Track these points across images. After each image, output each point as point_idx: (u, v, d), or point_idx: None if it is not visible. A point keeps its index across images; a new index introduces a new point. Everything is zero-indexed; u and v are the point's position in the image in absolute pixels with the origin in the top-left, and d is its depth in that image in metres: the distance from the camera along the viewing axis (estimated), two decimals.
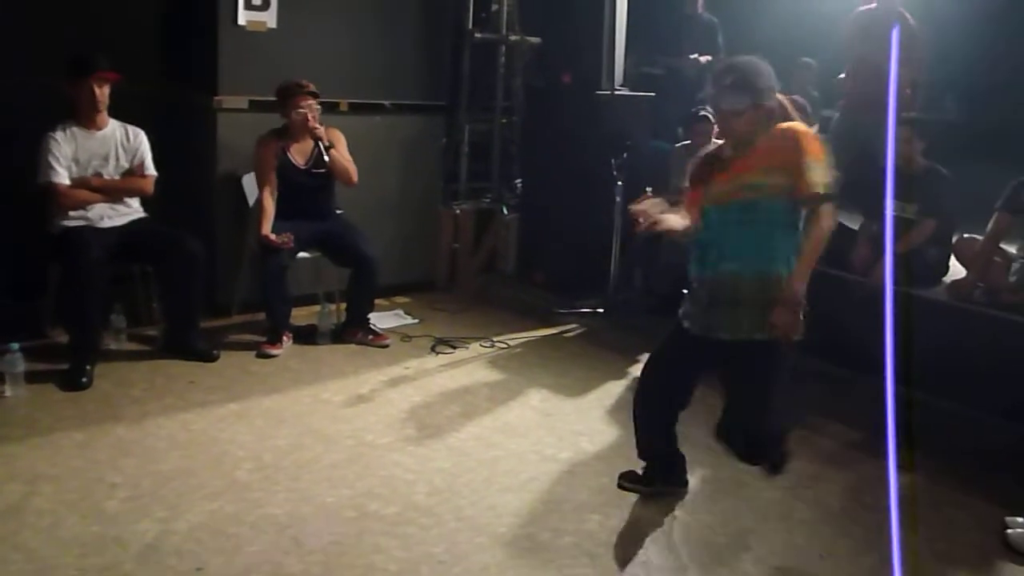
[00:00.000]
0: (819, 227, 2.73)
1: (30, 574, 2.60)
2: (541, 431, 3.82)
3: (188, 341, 4.33)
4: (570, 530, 3.05)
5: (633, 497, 3.30)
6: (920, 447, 3.52)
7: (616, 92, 5.49)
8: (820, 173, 2.72)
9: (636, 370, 4.63)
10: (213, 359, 4.30)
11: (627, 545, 3.00)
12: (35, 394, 3.80)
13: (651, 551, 2.98)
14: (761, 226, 2.82)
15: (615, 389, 4.37)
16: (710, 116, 5.33)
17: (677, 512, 3.22)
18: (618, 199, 5.19)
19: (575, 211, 5.52)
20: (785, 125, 2.80)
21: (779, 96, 2.86)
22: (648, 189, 5.59)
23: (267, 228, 4.47)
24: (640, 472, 3.29)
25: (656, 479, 3.27)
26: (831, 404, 4.17)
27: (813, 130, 2.88)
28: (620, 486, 3.28)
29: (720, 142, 3.00)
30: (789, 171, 2.74)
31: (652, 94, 5.98)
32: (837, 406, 4.14)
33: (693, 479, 3.36)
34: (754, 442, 3.02)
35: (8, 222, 4.21)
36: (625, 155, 5.17)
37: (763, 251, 2.82)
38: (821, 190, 2.71)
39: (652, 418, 3.18)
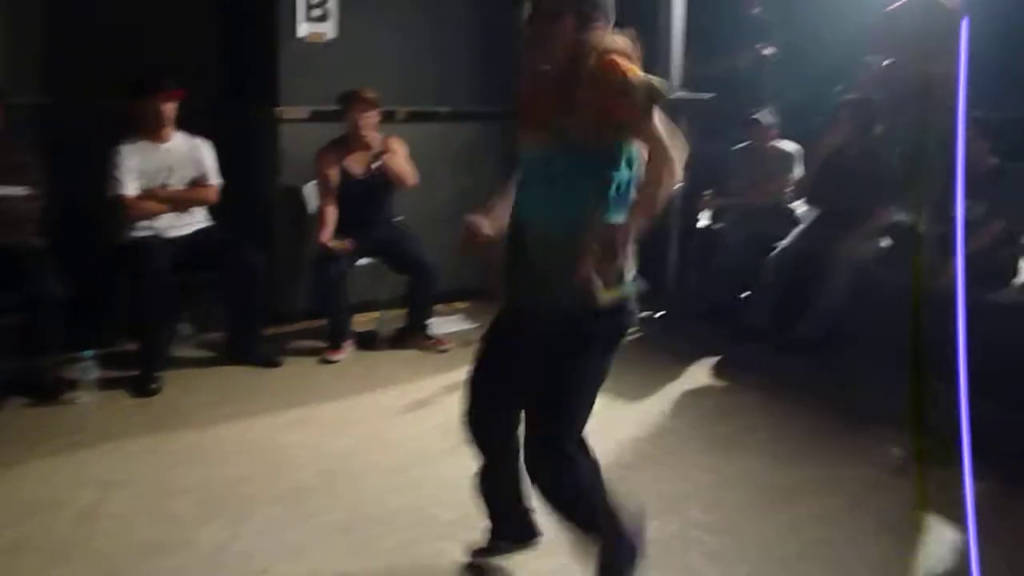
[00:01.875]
0: (654, 171, 2.26)
1: None
2: (596, 437, 3.79)
3: (251, 348, 4.42)
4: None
5: (690, 502, 3.26)
6: (988, 455, 3.43)
7: (673, 95, 5.46)
8: (637, 88, 2.20)
9: (693, 374, 4.62)
10: (276, 365, 4.38)
11: (684, 553, 2.98)
12: (107, 400, 3.92)
13: (711, 559, 2.95)
14: (564, 180, 2.30)
15: (672, 394, 4.34)
16: (761, 119, 5.29)
17: (740, 519, 3.18)
18: (675, 203, 5.16)
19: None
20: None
21: (617, 35, 2.34)
22: (706, 193, 5.58)
23: (326, 236, 4.55)
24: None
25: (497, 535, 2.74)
26: (889, 409, 4.08)
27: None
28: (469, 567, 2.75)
29: None
30: (597, 109, 2.22)
31: (709, 95, 5.92)
32: (896, 411, 4.06)
33: (760, 484, 3.29)
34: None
35: (80, 234, 4.34)
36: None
37: (565, 207, 2.31)
38: (641, 101, 2.20)
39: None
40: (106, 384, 3.99)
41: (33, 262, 3.92)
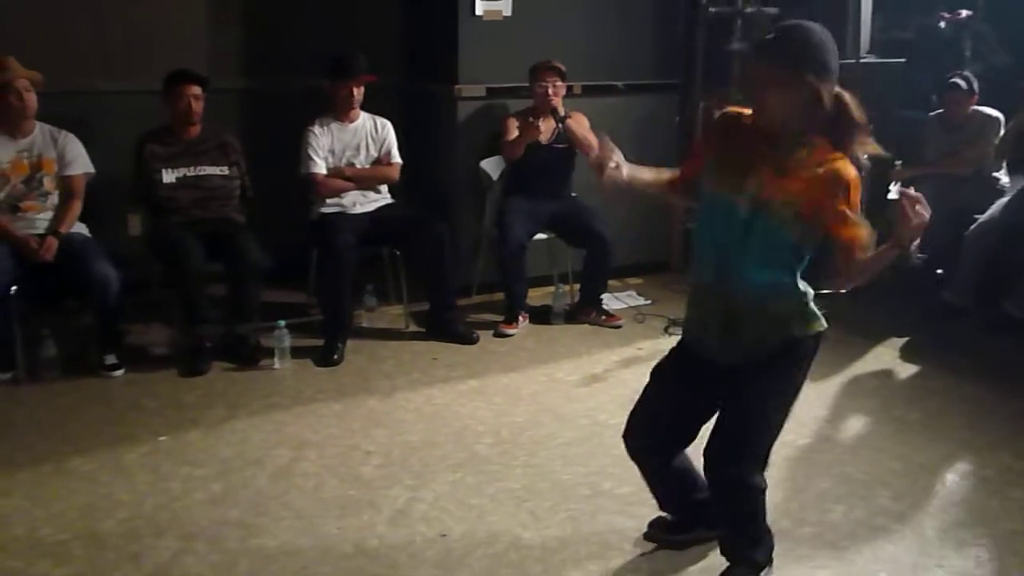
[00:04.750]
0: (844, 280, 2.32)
1: (297, 531, 2.87)
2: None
3: (447, 323, 4.53)
4: (812, 520, 2.95)
5: (878, 489, 3.13)
6: None
7: (861, 60, 5.18)
8: (862, 230, 2.24)
9: (881, 354, 4.39)
10: (473, 342, 4.47)
11: (873, 539, 2.85)
12: (299, 367, 4.16)
13: (900, 548, 2.81)
14: (758, 243, 2.30)
15: (859, 373, 4.16)
16: (961, 83, 4.91)
17: (931, 509, 3.02)
18: (862, 175, 4.90)
19: None
20: (836, 166, 2.23)
21: (838, 90, 2.24)
22: (898, 163, 5.27)
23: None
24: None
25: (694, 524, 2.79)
26: None
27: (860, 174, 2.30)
28: (647, 536, 2.83)
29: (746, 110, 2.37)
30: (819, 212, 2.23)
31: (902, 60, 5.58)
32: None
33: (953, 473, 3.12)
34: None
35: (277, 211, 4.62)
36: (871, 126, 4.86)
37: (760, 266, 2.32)
38: (861, 250, 2.24)
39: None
40: (299, 352, 4.23)
41: (236, 237, 4.20)
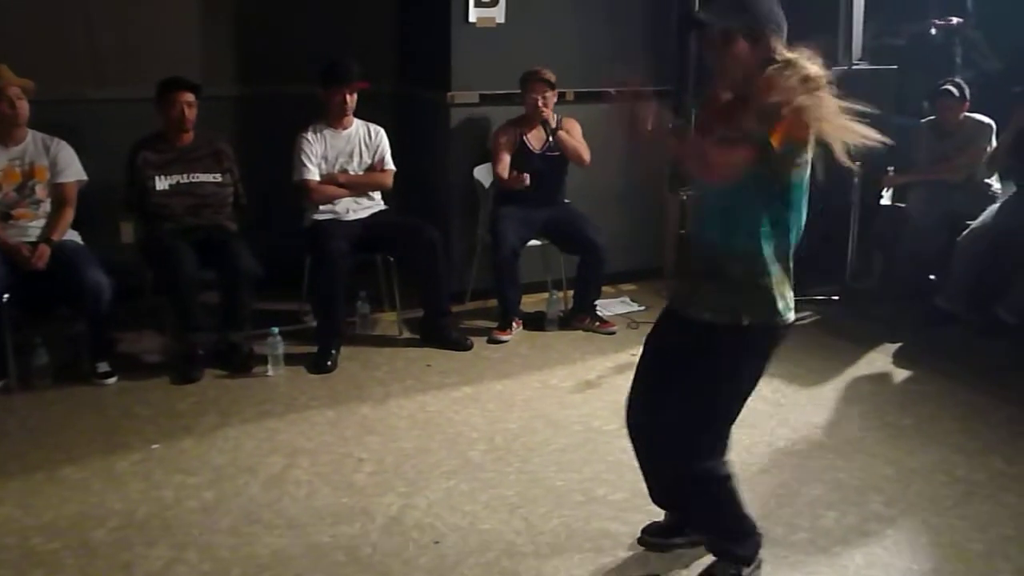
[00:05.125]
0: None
1: (290, 539, 2.86)
2: (773, 422, 3.71)
3: (441, 329, 4.52)
4: (804, 526, 2.95)
5: (870, 494, 3.13)
6: None
7: (854, 67, 5.19)
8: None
9: (873, 359, 4.40)
10: (466, 348, 4.47)
11: (865, 545, 2.85)
12: (292, 374, 4.15)
13: (893, 553, 2.81)
14: (730, 195, 2.31)
15: (852, 379, 4.16)
16: (952, 90, 4.94)
17: (923, 514, 3.02)
18: (855, 180, 4.92)
19: (808, 193, 5.28)
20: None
21: (792, 50, 2.27)
22: (890, 169, 5.28)
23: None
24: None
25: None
26: None
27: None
28: (640, 541, 2.81)
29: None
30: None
31: (894, 67, 5.60)
32: None
33: (945, 478, 3.13)
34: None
35: (270, 218, 4.62)
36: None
37: (728, 221, 2.35)
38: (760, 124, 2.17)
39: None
40: (292, 359, 4.22)
41: (229, 244, 4.20)
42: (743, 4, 2.27)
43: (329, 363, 4.21)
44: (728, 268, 2.35)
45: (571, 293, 4.92)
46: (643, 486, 2.71)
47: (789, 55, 2.26)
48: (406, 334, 4.65)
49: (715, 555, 2.63)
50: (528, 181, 4.60)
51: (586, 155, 4.76)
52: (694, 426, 2.45)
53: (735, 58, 2.28)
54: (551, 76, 4.67)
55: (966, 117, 5.00)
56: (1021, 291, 4.52)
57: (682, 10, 5.60)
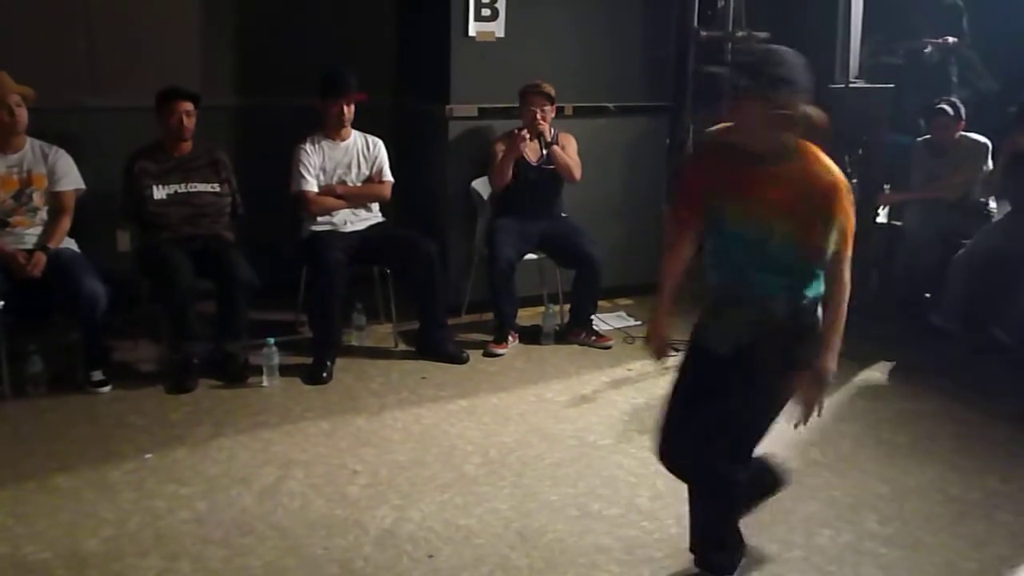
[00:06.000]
0: (841, 291, 2.38)
1: (283, 551, 2.85)
2: (766, 439, 3.69)
3: (437, 342, 4.51)
4: (799, 543, 2.94)
5: (865, 512, 3.13)
6: None
7: (851, 85, 5.22)
8: (846, 235, 2.34)
9: (868, 377, 4.40)
10: (462, 361, 4.46)
11: (860, 563, 2.85)
12: (287, 385, 4.14)
13: (887, 572, 2.81)
14: (769, 260, 2.40)
15: (845, 398, 4.16)
16: (947, 109, 4.97)
17: (918, 533, 3.02)
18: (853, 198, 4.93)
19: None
20: (822, 168, 2.33)
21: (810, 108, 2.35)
22: (886, 187, 5.30)
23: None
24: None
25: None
26: None
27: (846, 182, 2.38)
28: None
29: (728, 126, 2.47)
30: (813, 222, 2.32)
31: (890, 85, 5.63)
32: None
33: (940, 496, 3.12)
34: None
35: (266, 229, 4.62)
36: (860, 151, 4.91)
37: (771, 279, 2.44)
38: (843, 252, 2.34)
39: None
40: (287, 370, 4.21)
41: (226, 254, 4.19)
42: (788, 79, 2.30)
43: (324, 374, 4.21)
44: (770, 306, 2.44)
45: (567, 307, 4.92)
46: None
47: (802, 108, 2.33)
48: (402, 346, 4.65)
49: (697, 562, 2.68)
50: (528, 138, 4.62)
51: (577, 172, 4.76)
52: (735, 435, 2.52)
53: (762, 117, 2.31)
54: (550, 90, 4.69)
55: (961, 136, 5.02)
56: (1017, 312, 4.53)
57: (683, 28, 5.65)
